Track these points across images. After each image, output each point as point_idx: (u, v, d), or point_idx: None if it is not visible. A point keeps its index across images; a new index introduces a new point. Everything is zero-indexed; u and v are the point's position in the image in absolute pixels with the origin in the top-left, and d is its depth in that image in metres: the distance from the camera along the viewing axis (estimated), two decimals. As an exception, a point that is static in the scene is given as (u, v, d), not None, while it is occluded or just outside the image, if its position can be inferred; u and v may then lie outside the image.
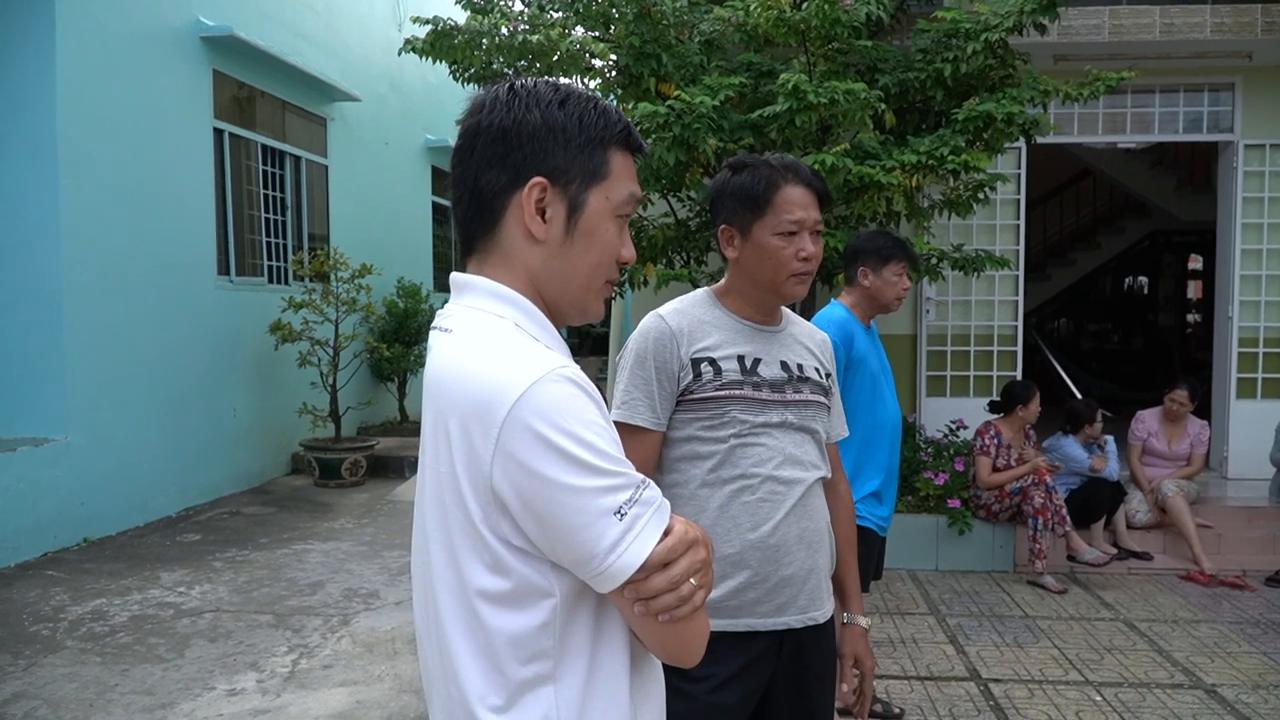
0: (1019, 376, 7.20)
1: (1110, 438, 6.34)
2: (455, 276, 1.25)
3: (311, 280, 8.85)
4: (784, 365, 2.07)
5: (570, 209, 1.20)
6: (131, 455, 7.06)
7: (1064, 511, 5.76)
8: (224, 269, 8.29)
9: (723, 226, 2.11)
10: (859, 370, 3.47)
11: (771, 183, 2.04)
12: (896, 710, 3.94)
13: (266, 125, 8.96)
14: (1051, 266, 13.37)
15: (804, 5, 5.20)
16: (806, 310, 6.45)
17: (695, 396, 1.99)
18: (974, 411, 6.79)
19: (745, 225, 2.06)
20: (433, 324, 1.24)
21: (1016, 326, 7.43)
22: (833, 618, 2.15)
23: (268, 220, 8.99)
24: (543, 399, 1.05)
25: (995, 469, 5.89)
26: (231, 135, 8.35)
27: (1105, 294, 17.42)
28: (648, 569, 1.06)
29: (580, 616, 1.13)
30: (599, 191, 1.22)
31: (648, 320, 2.06)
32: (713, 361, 2.00)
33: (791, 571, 2.00)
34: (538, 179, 1.18)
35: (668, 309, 2.08)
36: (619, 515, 1.05)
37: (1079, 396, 8.83)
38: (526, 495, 1.05)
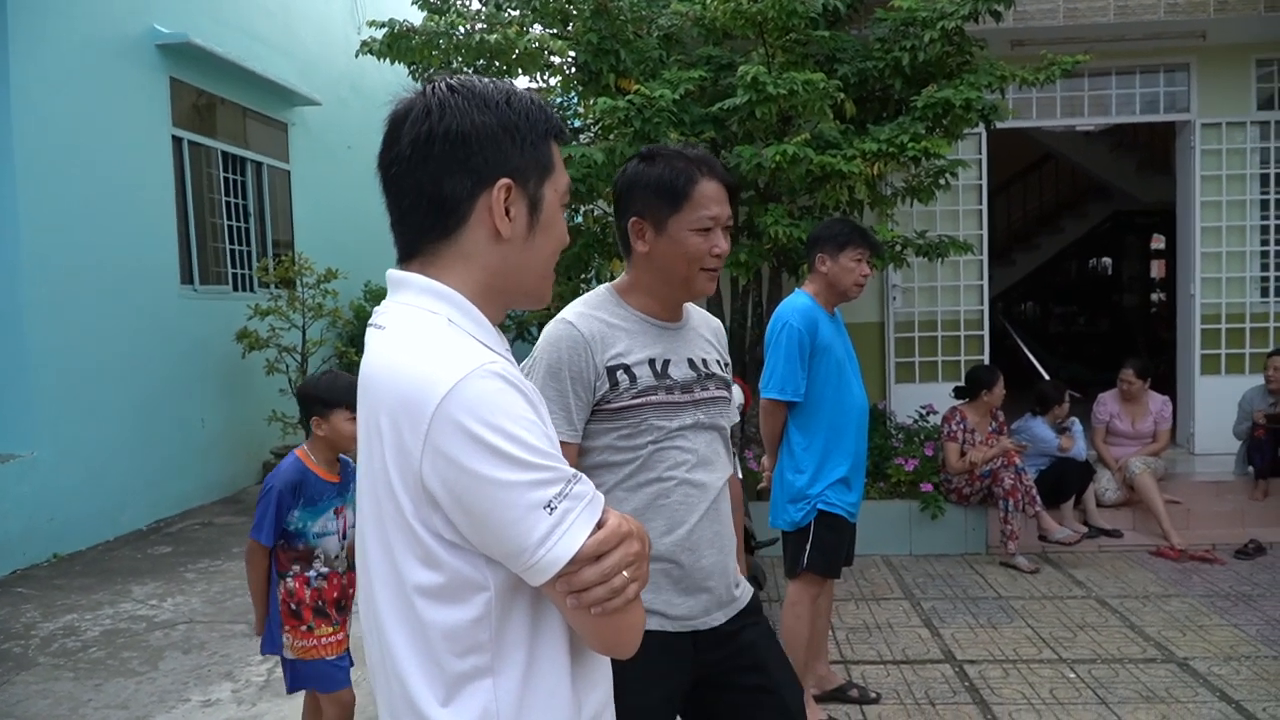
0: (986, 361, 7.26)
1: (1075, 419, 6.42)
2: (391, 274, 1.25)
3: (277, 286, 8.77)
4: (691, 363, 2.05)
5: (531, 205, 1.22)
6: (99, 468, 6.97)
7: (1034, 492, 5.83)
8: (187, 278, 8.20)
9: (633, 219, 2.04)
10: (824, 358, 3.51)
11: (690, 177, 1.99)
12: (873, 695, 3.96)
13: (226, 132, 8.86)
14: (1016, 251, 13.51)
15: (761, -3, 5.22)
16: (772, 302, 6.48)
17: (612, 406, 1.95)
18: (943, 397, 6.84)
19: (660, 219, 2.01)
20: (371, 321, 1.24)
21: (983, 311, 7.49)
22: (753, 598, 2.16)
23: (231, 227, 8.90)
24: (469, 394, 1.05)
25: (962, 453, 5.94)
26: (191, 143, 8.25)
27: (1070, 277, 17.62)
28: (578, 562, 1.06)
29: (517, 610, 1.13)
30: (550, 185, 1.24)
31: (556, 327, 1.99)
32: (627, 369, 1.96)
33: (704, 572, 2.00)
34: (504, 180, 1.18)
35: (573, 313, 2.01)
36: (549, 509, 1.05)
37: (1047, 379, 8.92)
38: (456, 490, 1.06)
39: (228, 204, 8.85)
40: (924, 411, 6.81)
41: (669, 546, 1.97)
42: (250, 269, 9.08)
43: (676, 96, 5.13)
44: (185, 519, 7.69)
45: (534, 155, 1.21)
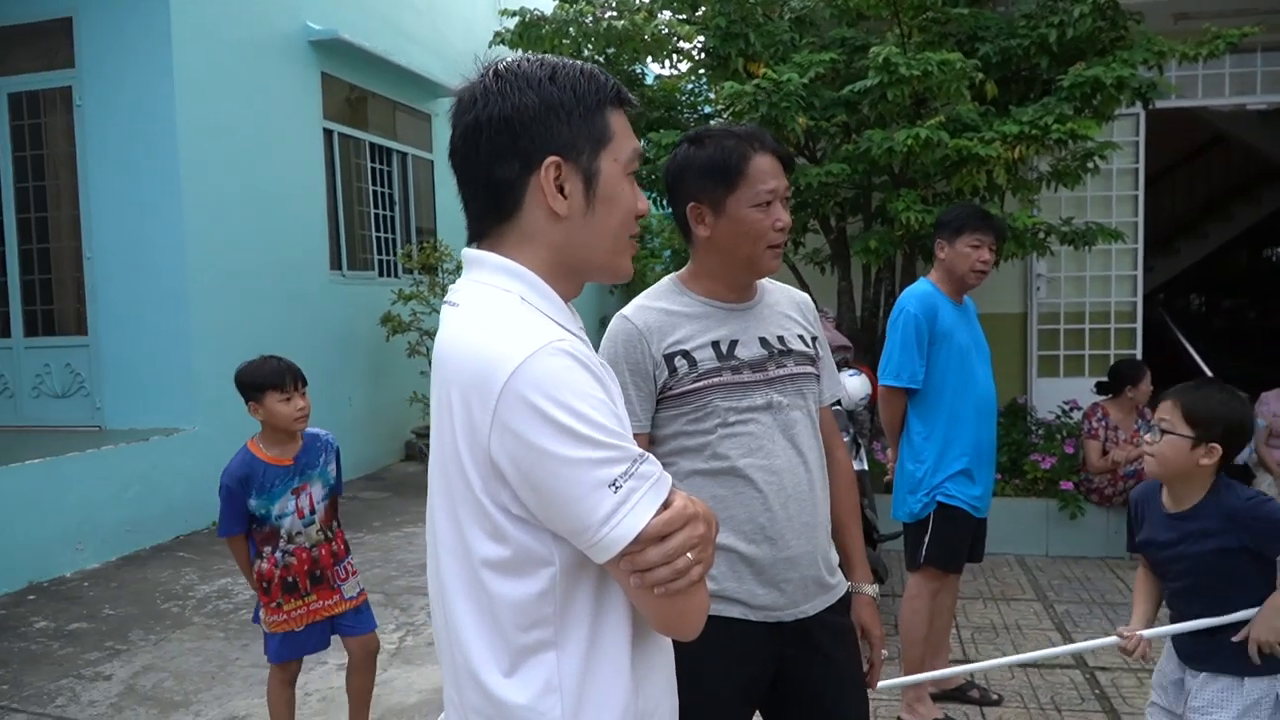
0: (1138, 355, 6.85)
1: None
2: (466, 252, 1.27)
3: (419, 273, 9.10)
4: (763, 341, 2.00)
5: (586, 180, 1.21)
6: (253, 444, 7.40)
7: (1183, 494, 5.45)
8: (336, 264, 8.61)
9: (691, 205, 2.01)
10: (944, 345, 3.41)
11: (742, 153, 1.95)
12: (995, 696, 3.82)
13: (374, 123, 9.25)
14: (1181, 240, 12.67)
15: (895, -26, 5.06)
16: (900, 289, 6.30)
17: (675, 392, 1.93)
18: (1087, 392, 6.47)
19: (717, 200, 1.97)
20: (446, 299, 1.26)
21: (1135, 303, 7.07)
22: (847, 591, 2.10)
23: (376, 216, 9.29)
24: (538, 371, 1.06)
25: (1104, 452, 5.63)
26: (340, 135, 8.65)
27: (1241, 268, 16.40)
28: (642, 541, 1.06)
29: (582, 586, 1.14)
30: (607, 155, 1.23)
31: (615, 322, 2.00)
32: (686, 354, 1.94)
33: (789, 562, 1.95)
34: (552, 158, 1.19)
35: (632, 307, 2.02)
36: (614, 487, 1.05)
37: (1209, 375, 8.35)
38: (523, 466, 1.07)
39: (374, 193, 9.24)
40: (1067, 407, 6.49)
41: (749, 535, 1.93)
42: (394, 255, 9.46)
43: (805, 80, 5.03)
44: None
45: (585, 128, 1.20)
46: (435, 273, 9.05)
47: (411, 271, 9.15)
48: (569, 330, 1.18)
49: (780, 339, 2.02)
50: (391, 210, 9.52)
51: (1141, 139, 6.93)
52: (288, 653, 3.30)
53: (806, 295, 2.21)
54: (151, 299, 6.81)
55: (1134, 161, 6.96)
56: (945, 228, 3.49)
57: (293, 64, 7.98)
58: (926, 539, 3.48)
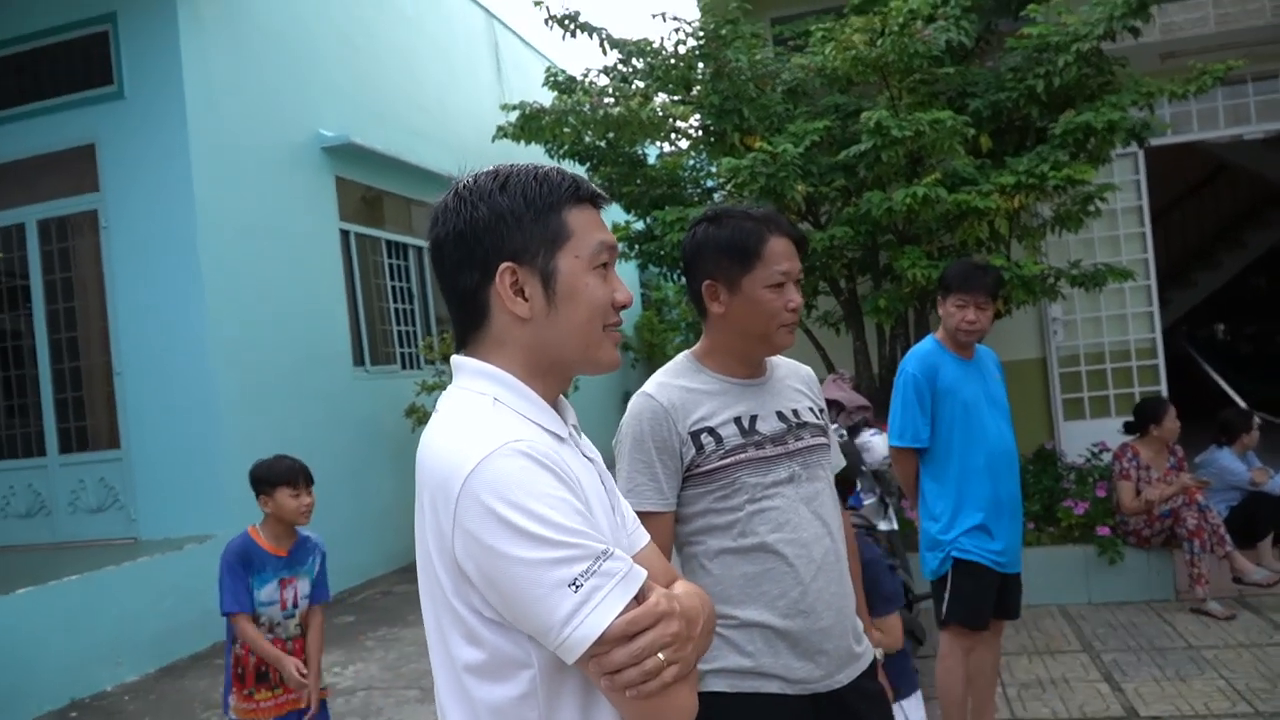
0: (1163, 391, 6.81)
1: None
2: (453, 359, 1.32)
3: (441, 363, 9.22)
4: (780, 415, 2.04)
5: (544, 280, 1.24)
6: (286, 544, 7.45)
7: (1222, 531, 5.37)
8: (359, 359, 8.75)
9: (707, 282, 2.06)
10: (947, 401, 3.44)
11: (759, 235, 2.02)
12: (1045, 755, 3.73)
13: (389, 220, 9.48)
14: (1196, 271, 12.62)
15: (879, 42, 5.19)
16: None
17: (703, 469, 1.96)
18: (1116, 433, 6.43)
19: (733, 279, 2.03)
20: (435, 408, 1.31)
21: (1154, 339, 7.05)
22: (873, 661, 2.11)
23: (396, 310, 9.46)
24: (491, 473, 1.08)
25: (1137, 492, 5.55)
26: (357, 234, 8.87)
27: (1261, 292, 16.25)
28: (607, 641, 1.05)
29: (567, 688, 1.13)
30: (566, 253, 1.25)
31: (637, 401, 2.03)
32: (711, 431, 1.98)
33: (823, 634, 1.97)
34: (505, 265, 1.22)
35: (654, 385, 2.05)
36: (574, 586, 1.05)
37: (1241, 404, 8.25)
38: (484, 568, 1.08)
39: (393, 288, 9.42)
40: (1096, 450, 6.43)
41: (783, 610, 1.95)
42: (415, 347, 9.59)
43: (801, 149, 5.14)
44: (367, 588, 8.10)
45: (537, 231, 1.24)
46: (456, 361, 9.17)
47: (433, 362, 9.27)
48: (546, 428, 1.19)
49: (795, 411, 2.07)
50: (410, 304, 9.70)
51: (1143, 177, 6.99)
52: None
53: (809, 369, 2.26)
54: (180, 408, 6.93)
55: (1137, 199, 7.01)
56: (941, 286, 3.55)
57: (307, 170, 8.22)
58: (946, 595, 3.48)
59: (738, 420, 2.00)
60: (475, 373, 1.25)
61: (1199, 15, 6.27)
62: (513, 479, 1.08)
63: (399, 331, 9.49)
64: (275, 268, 7.64)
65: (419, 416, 8.67)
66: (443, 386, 8.55)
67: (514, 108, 6.00)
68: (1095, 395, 7.09)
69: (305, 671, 3.37)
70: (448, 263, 1.26)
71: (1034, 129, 5.82)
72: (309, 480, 3.49)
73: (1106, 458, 6.30)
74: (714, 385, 2.04)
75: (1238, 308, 15.70)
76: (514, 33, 12.85)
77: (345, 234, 8.71)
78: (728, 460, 1.96)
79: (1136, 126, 5.56)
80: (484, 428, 1.14)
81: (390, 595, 7.85)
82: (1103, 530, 5.70)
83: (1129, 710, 4.14)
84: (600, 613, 1.05)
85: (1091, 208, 5.64)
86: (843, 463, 2.25)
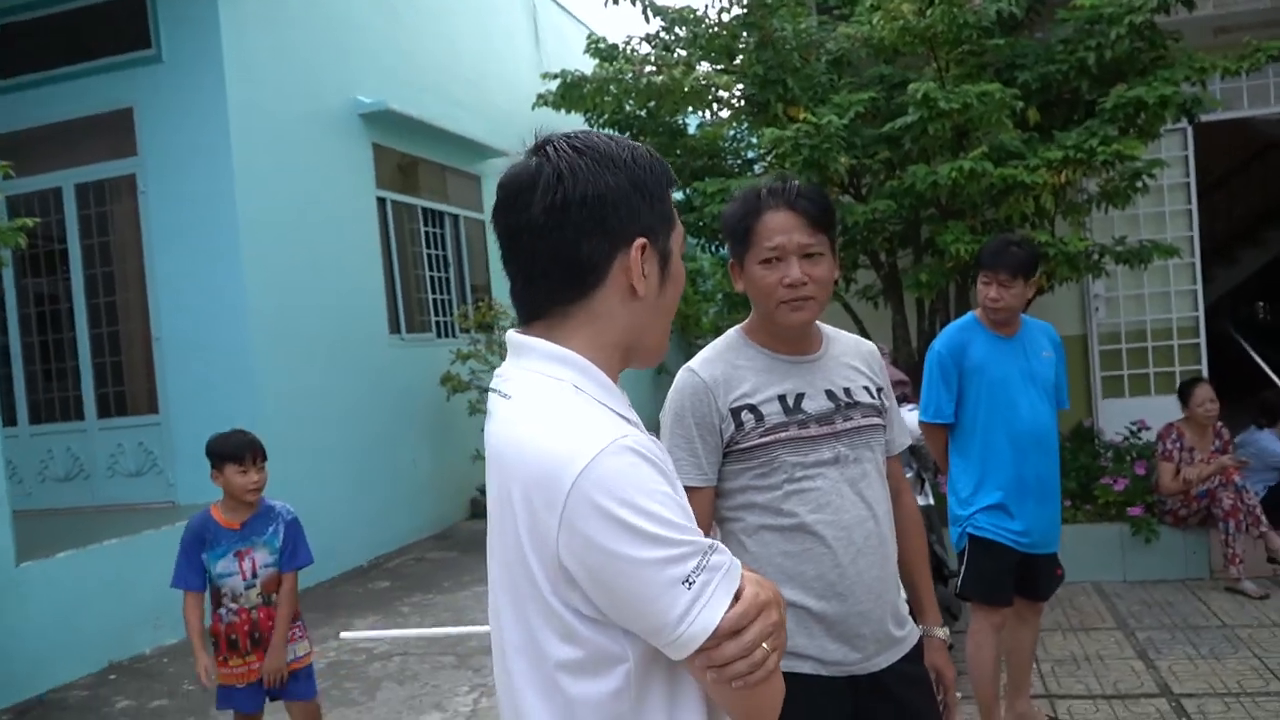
0: (1204, 371, 6.72)
1: None
2: (512, 337, 1.25)
3: (476, 331, 9.26)
4: (829, 394, 2.00)
5: (662, 261, 1.23)
6: (323, 510, 7.53)
7: (1259, 511, 5.33)
8: (395, 328, 8.81)
9: (730, 263, 2.08)
10: (975, 378, 3.45)
11: (751, 211, 1.98)
12: (1082, 732, 3.74)
13: (425, 188, 9.50)
14: (1240, 249, 12.40)
15: (928, 12, 5.12)
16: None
17: (741, 446, 1.94)
18: (1156, 411, 6.38)
19: (740, 258, 2.02)
20: (493, 386, 1.25)
21: (1197, 318, 6.95)
22: (920, 640, 2.09)
23: (432, 278, 9.51)
24: (605, 471, 1.05)
25: (1177, 473, 5.51)
26: (393, 202, 8.90)
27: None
28: (719, 636, 1.05)
29: (655, 679, 1.13)
30: (674, 236, 1.25)
31: (681, 376, 2.01)
32: (753, 408, 1.95)
33: (861, 617, 1.94)
34: (641, 239, 1.19)
35: (698, 360, 2.03)
36: (687, 584, 1.05)
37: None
38: (594, 568, 1.06)
39: (428, 255, 9.46)
40: (1135, 428, 6.37)
41: (820, 592, 1.93)
42: (451, 316, 9.64)
43: (845, 121, 5.09)
44: (402, 554, 8.21)
45: (661, 210, 1.22)
46: (491, 330, 9.20)
47: (468, 331, 9.31)
48: (624, 417, 1.17)
49: (847, 390, 2.02)
50: (446, 272, 9.74)
51: (1191, 153, 6.86)
52: (224, 705, 3.59)
53: (873, 345, 2.21)
54: (219, 374, 7.00)
55: (1185, 176, 6.88)
56: (976, 262, 3.57)
57: (345, 137, 8.25)
58: (962, 570, 3.54)
59: (782, 398, 1.97)
60: (548, 356, 1.19)
61: (1255, -13, 6.12)
62: (625, 477, 1.06)
63: (434, 300, 9.54)
64: (312, 234, 7.69)
65: (454, 385, 8.74)
66: (478, 356, 8.68)
67: (555, 76, 5.99)
68: (1135, 373, 7.01)
69: (212, 675, 3.44)
70: (569, 227, 1.17)
71: (1083, 102, 5.71)
72: (259, 457, 3.54)
73: (1145, 436, 6.25)
74: (760, 361, 2.01)
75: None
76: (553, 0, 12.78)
77: (382, 201, 8.74)
78: (767, 438, 1.94)
79: (1188, 102, 5.45)
80: (584, 422, 1.11)
81: (424, 561, 7.95)
82: (1135, 510, 5.65)
83: (1163, 688, 4.13)
84: (712, 609, 1.05)
85: (1140, 184, 5.55)
86: (908, 441, 2.22)
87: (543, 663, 1.13)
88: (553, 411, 1.14)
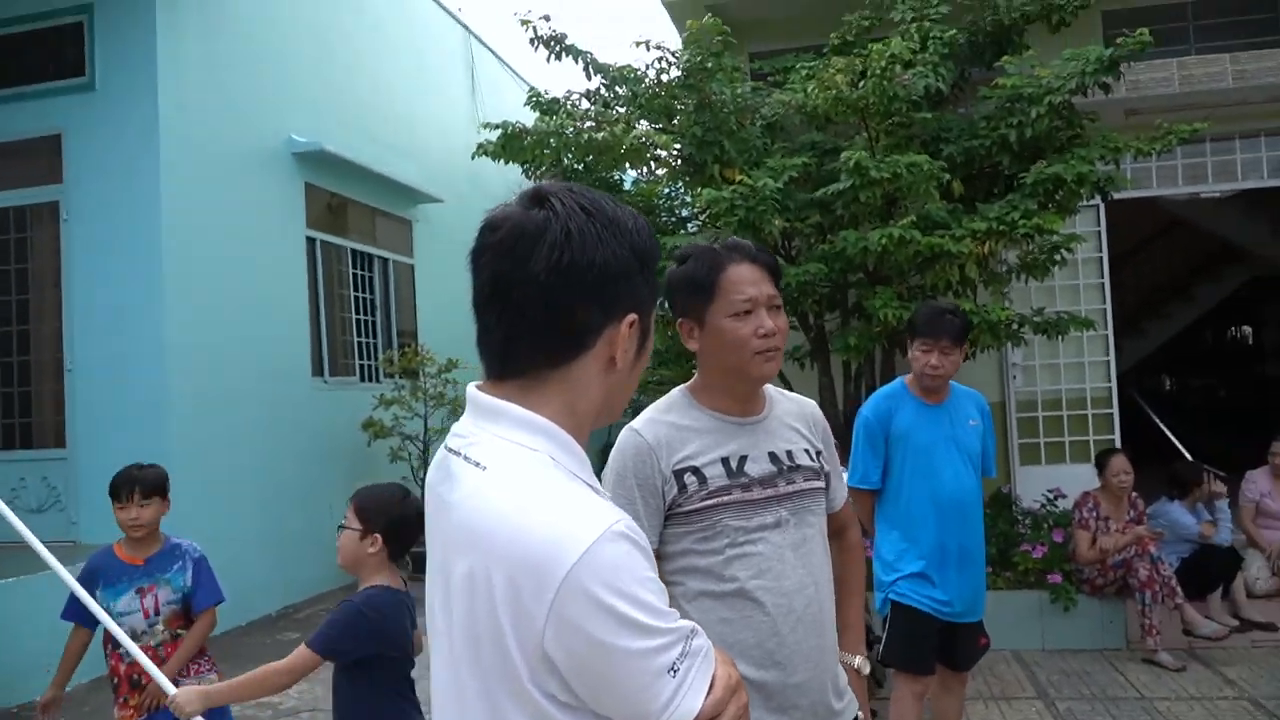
0: (1116, 440, 6.94)
1: (1222, 501, 6.03)
2: (478, 397, 1.19)
3: (401, 377, 9.12)
4: (772, 456, 1.98)
5: (643, 335, 1.21)
6: (234, 557, 7.24)
7: (1174, 583, 5.46)
8: (318, 370, 8.62)
9: (680, 320, 2.03)
10: (900, 446, 3.46)
11: (715, 265, 1.97)
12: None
13: (355, 230, 9.38)
14: (1146, 321, 12.94)
15: (861, 84, 5.27)
16: (886, 384, 6.38)
17: (684, 509, 1.91)
18: (1071, 479, 6.56)
19: (699, 314, 1.99)
20: (452, 447, 1.19)
21: (1110, 388, 7.19)
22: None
23: (358, 321, 9.35)
24: (600, 561, 1.02)
25: (1093, 541, 5.64)
26: (323, 242, 8.76)
27: (1207, 347, 16.72)
28: None
29: None
30: (654, 310, 1.25)
31: (624, 436, 1.98)
32: (696, 470, 1.92)
33: (797, 689, 1.91)
34: (632, 315, 1.17)
35: (642, 420, 2.00)
36: (672, 672, 1.04)
37: (1188, 457, 8.44)
38: (581, 658, 1.03)
39: (356, 299, 9.31)
40: (1052, 495, 6.51)
41: (757, 660, 1.89)
42: (376, 360, 9.48)
43: (780, 184, 5.18)
44: (313, 605, 7.94)
45: (652, 285, 1.21)
46: (417, 376, 9.08)
47: (393, 376, 9.17)
48: (593, 487, 1.15)
49: (789, 454, 2.01)
50: (373, 315, 9.59)
51: (1103, 229, 7.15)
52: None
53: (815, 405, 2.19)
54: (131, 409, 6.75)
55: (1097, 250, 7.17)
56: (909, 328, 3.60)
57: (277, 175, 8.12)
58: (884, 637, 3.53)
59: (725, 460, 1.95)
60: (526, 425, 1.15)
61: (1164, 75, 6.45)
62: (619, 566, 1.04)
63: (360, 343, 9.37)
64: (240, 272, 7.52)
65: (376, 430, 8.57)
66: (402, 402, 8.53)
67: (496, 126, 5.99)
68: (1051, 441, 7.21)
69: (52, 711, 3.45)
70: (568, 291, 1.13)
71: (1003, 177, 5.93)
72: (142, 493, 3.48)
73: (1062, 503, 6.39)
74: (705, 422, 1.99)
75: (1185, 361, 16.13)
76: (491, 51, 12.85)
77: (311, 241, 8.60)
78: (710, 501, 1.91)
79: (1102, 180, 5.70)
80: (574, 505, 1.08)
81: (337, 612, 7.69)
82: (1054, 577, 5.76)
83: (1082, 755, 4.18)
84: (694, 695, 1.06)
85: (1058, 257, 5.75)
86: (844, 497, 2.21)
87: None
88: (538, 491, 1.09)
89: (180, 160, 6.97)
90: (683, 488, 1.92)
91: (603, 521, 1.05)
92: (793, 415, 2.10)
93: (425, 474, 5.05)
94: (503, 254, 1.15)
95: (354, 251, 9.30)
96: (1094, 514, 5.71)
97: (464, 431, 1.19)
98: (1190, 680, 5.16)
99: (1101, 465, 5.81)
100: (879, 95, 5.18)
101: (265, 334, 7.80)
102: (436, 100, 11.11)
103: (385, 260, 9.81)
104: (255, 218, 7.78)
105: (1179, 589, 5.48)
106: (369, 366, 9.45)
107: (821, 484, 2.06)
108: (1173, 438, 9.90)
